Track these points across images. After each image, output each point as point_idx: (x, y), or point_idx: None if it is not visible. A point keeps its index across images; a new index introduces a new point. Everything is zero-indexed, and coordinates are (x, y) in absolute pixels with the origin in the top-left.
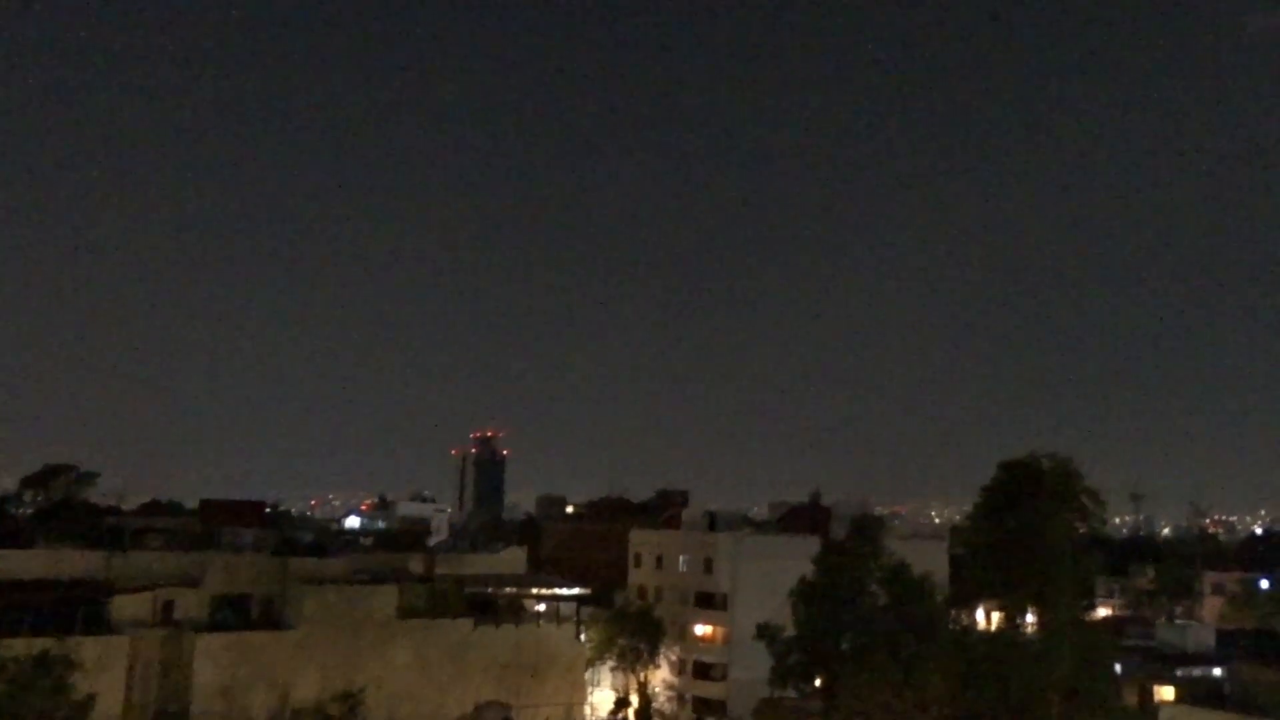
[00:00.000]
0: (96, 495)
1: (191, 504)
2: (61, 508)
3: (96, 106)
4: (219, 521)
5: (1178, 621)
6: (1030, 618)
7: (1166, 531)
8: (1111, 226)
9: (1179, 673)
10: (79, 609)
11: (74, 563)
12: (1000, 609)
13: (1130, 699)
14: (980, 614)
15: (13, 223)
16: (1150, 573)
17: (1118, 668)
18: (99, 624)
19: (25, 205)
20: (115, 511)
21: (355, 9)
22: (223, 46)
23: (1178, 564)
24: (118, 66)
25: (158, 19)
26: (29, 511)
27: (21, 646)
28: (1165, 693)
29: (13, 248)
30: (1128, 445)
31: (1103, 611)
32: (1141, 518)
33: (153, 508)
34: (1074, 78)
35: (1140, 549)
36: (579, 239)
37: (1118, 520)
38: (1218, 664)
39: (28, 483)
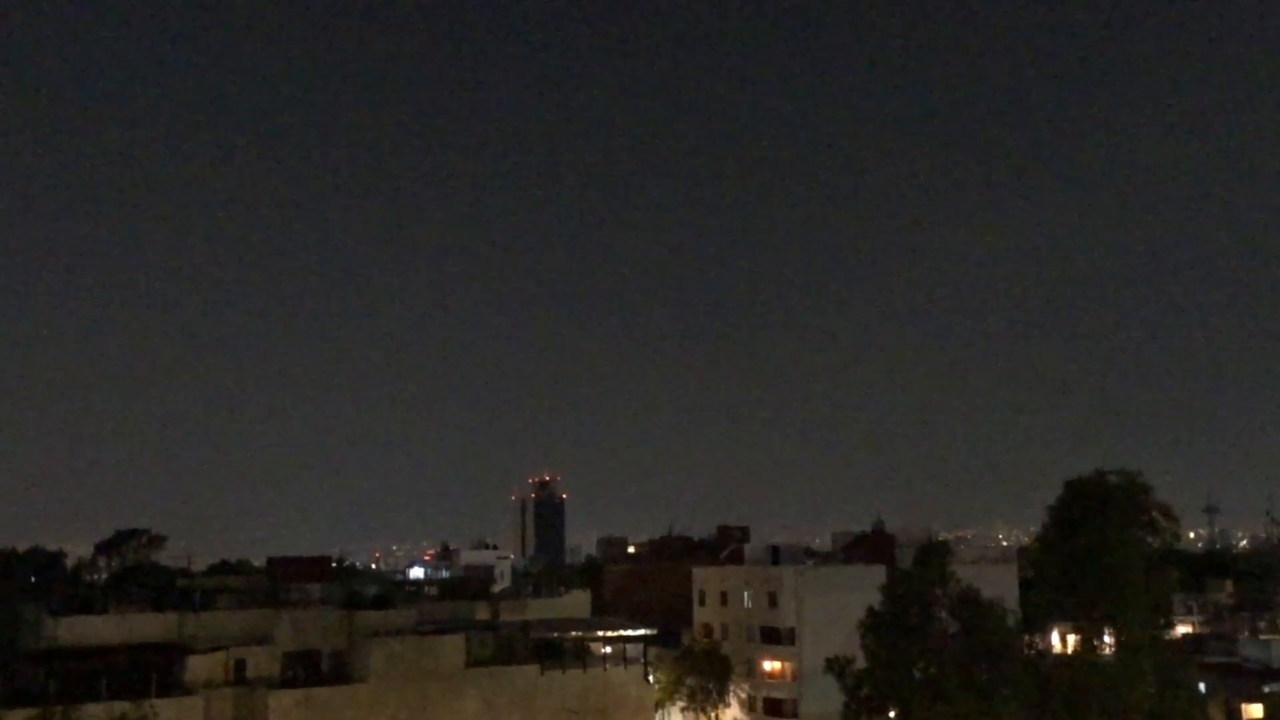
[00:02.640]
0: (166, 558)
1: (258, 562)
2: (133, 572)
3: (155, 170)
4: (286, 578)
5: (1261, 637)
6: (1107, 639)
7: (1244, 544)
8: (1177, 239)
9: (1266, 689)
10: (154, 671)
11: (147, 626)
12: (1075, 631)
13: (1216, 719)
14: (1055, 637)
15: (79, 289)
16: (1229, 587)
17: (1201, 687)
18: (174, 685)
19: (85, 269)
20: (185, 573)
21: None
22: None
23: (1257, 577)
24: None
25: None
26: (103, 577)
27: (100, 711)
28: (1254, 710)
29: (83, 317)
30: (1200, 458)
31: (1181, 629)
32: (1217, 531)
33: (221, 568)
34: (1138, 89)
35: (1217, 563)
36: (632, 277)
37: (1192, 535)
38: None
39: (101, 549)
